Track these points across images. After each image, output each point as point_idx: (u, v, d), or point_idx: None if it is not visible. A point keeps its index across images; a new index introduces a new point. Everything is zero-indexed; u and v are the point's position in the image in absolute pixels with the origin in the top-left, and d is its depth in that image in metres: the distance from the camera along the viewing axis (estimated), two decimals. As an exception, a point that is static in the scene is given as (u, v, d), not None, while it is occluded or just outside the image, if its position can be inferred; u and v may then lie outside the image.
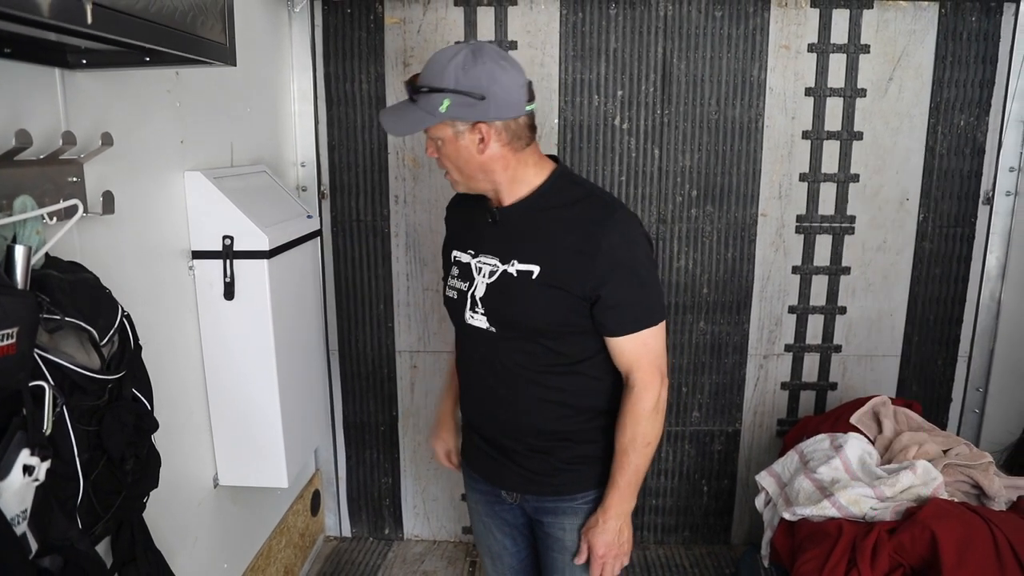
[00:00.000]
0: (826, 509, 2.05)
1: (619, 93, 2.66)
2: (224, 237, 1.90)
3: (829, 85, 2.64)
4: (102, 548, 1.39)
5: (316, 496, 2.98)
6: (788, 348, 2.87)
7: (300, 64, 2.66)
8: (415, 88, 1.46)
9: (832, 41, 2.60)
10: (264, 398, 2.01)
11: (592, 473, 1.63)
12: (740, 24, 2.59)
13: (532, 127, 1.52)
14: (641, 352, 1.53)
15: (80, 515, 1.26)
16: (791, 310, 2.83)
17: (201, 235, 1.91)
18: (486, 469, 1.73)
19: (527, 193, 1.54)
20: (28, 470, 1.01)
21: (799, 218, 2.75)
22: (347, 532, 3.14)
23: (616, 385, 1.60)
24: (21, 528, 1.02)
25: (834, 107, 2.66)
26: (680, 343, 2.86)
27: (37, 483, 1.04)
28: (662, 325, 1.54)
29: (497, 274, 1.55)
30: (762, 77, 2.63)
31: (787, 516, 2.13)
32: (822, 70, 2.63)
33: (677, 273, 2.80)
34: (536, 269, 1.50)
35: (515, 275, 1.53)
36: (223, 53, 1.40)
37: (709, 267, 2.79)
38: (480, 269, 1.59)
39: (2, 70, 1.26)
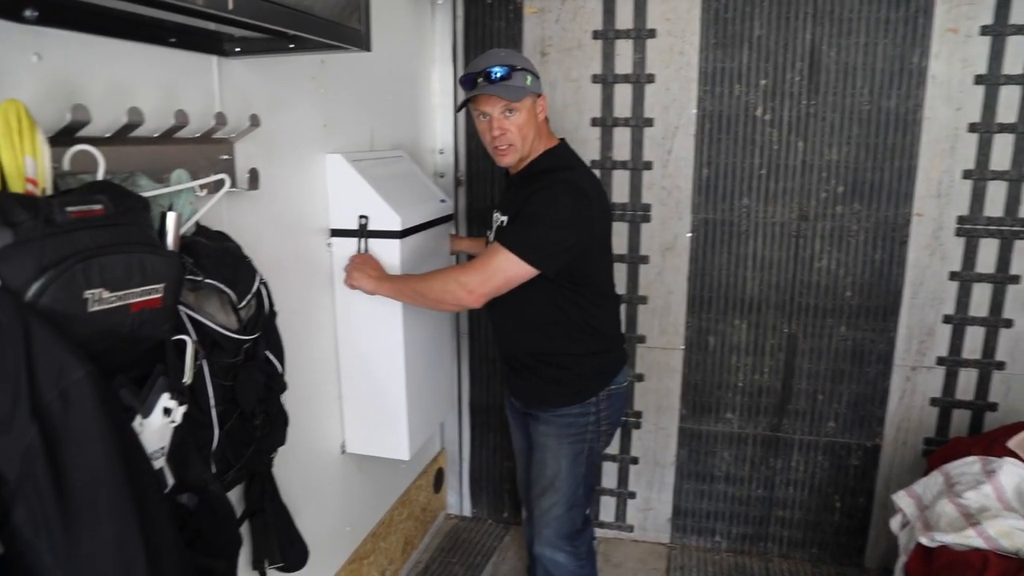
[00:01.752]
0: (971, 539, 1.87)
1: (762, 82, 2.55)
2: (360, 217, 2.01)
3: (1004, 72, 2.39)
4: (234, 497, 1.52)
5: (440, 474, 3.09)
6: (941, 361, 2.64)
7: (441, 54, 2.76)
8: (512, 67, 1.84)
9: (1011, 22, 2.36)
10: (391, 372, 2.11)
11: (563, 392, 2.02)
12: (900, 6, 2.41)
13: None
14: (488, 258, 1.82)
15: (214, 462, 1.38)
16: (946, 320, 2.60)
17: (339, 214, 2.03)
18: (507, 382, 2.22)
19: (528, 162, 1.96)
20: (167, 412, 1.12)
21: (960, 219, 2.52)
22: (467, 512, 3.23)
23: (572, 334, 1.97)
24: (159, 463, 1.14)
25: (1009, 96, 2.40)
26: (818, 347, 2.71)
27: (174, 424, 1.15)
28: (517, 261, 1.78)
29: (498, 224, 1.99)
30: (923, 64, 2.43)
31: (925, 541, 1.97)
32: (996, 55, 2.39)
33: (818, 274, 2.65)
34: (506, 219, 1.93)
35: (501, 225, 1.95)
36: (358, 39, 1.49)
37: (854, 269, 2.63)
38: (495, 221, 2.03)
39: (168, 57, 1.41)
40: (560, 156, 1.98)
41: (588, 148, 2.73)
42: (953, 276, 2.57)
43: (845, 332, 2.68)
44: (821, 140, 2.56)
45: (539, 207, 1.82)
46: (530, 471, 2.17)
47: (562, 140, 2.02)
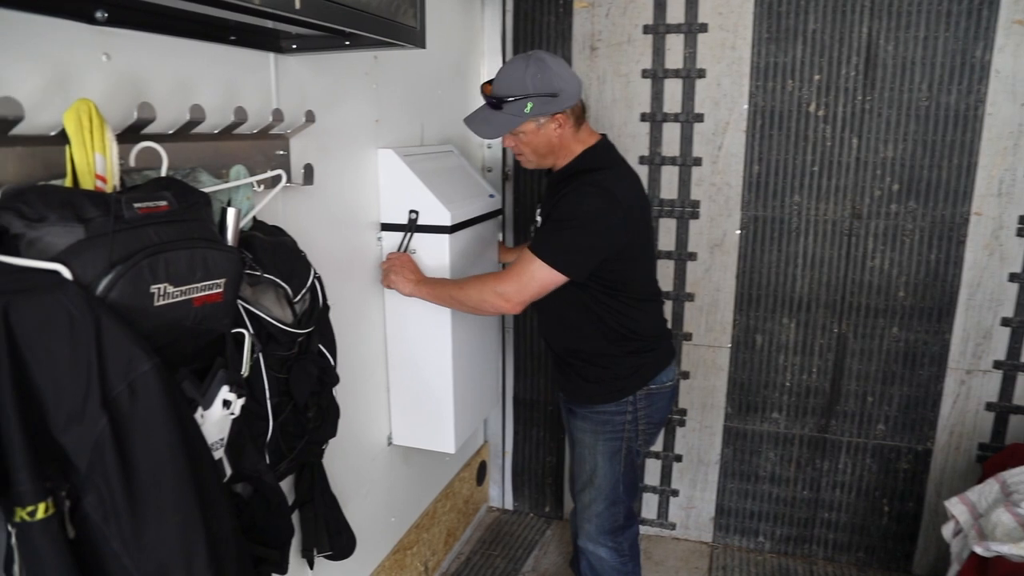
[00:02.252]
0: (1029, 548, 1.82)
1: (816, 78, 2.50)
2: (410, 211, 2.02)
3: (1076, 66, 2.30)
4: (285, 487, 1.55)
5: (482, 467, 3.11)
6: (998, 365, 2.57)
7: (490, 49, 2.76)
8: (500, 99, 1.83)
9: (1082, 15, 2.27)
10: (438, 367, 2.13)
11: (599, 390, 2.02)
12: (962, -1, 2.34)
13: (584, 108, 1.93)
14: (522, 266, 1.83)
15: (268, 452, 1.41)
16: (1005, 323, 2.53)
17: (390, 208, 2.05)
18: (552, 375, 2.23)
19: (566, 163, 1.94)
20: (227, 404, 1.15)
21: (1022, 219, 2.44)
22: (509, 505, 3.25)
23: (610, 335, 1.97)
24: (218, 454, 1.17)
25: (1081, 92, 2.32)
26: (868, 348, 2.65)
27: (233, 416, 1.18)
28: (548, 269, 1.80)
29: (536, 224, 2.04)
30: (987, 58, 2.36)
31: (979, 550, 1.91)
32: (1067, 48, 2.30)
33: (870, 273, 2.60)
34: (540, 220, 1.98)
35: (537, 224, 2.01)
36: (414, 36, 1.50)
37: (908, 269, 2.56)
38: (537, 219, 2.05)
39: (227, 55, 1.43)
40: (595, 156, 1.94)
41: (637, 144, 2.71)
42: (1012, 278, 2.49)
43: (897, 333, 2.63)
44: (876, 137, 2.50)
45: (565, 211, 1.82)
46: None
47: (602, 137, 1.99)
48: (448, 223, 2.01)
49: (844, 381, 2.71)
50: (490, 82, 1.88)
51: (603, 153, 1.96)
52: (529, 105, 1.82)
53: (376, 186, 2.03)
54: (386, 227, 2.07)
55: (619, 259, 1.89)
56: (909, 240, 2.55)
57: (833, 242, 2.61)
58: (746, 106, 2.58)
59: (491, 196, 2.35)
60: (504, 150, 2.85)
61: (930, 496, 2.72)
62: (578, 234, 1.81)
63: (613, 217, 1.82)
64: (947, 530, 2.17)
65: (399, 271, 2.00)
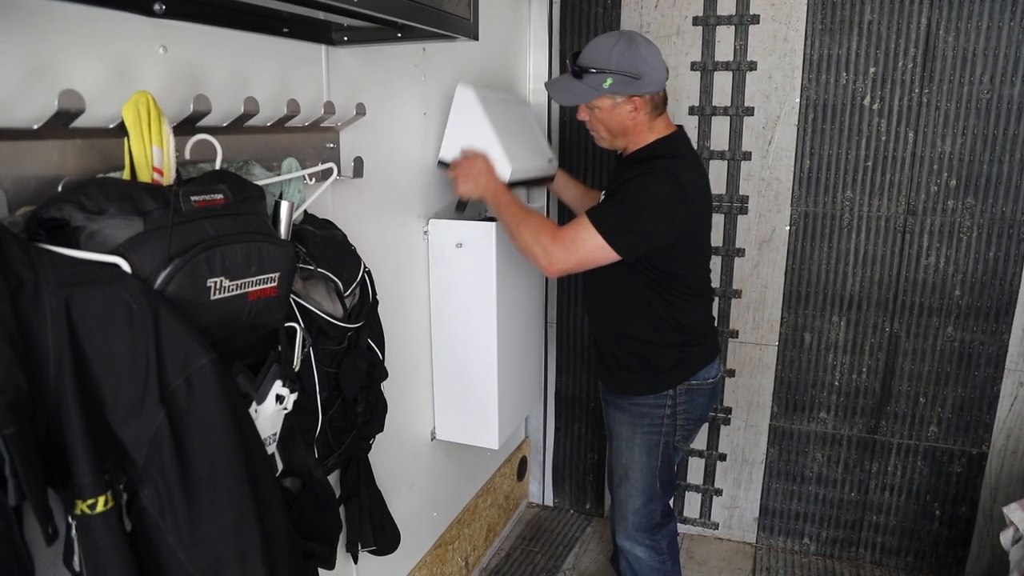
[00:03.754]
0: (1095, 557, 1.75)
1: (871, 70, 2.42)
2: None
3: None
4: (331, 481, 1.54)
5: (523, 462, 3.09)
6: (1060, 367, 2.48)
7: (537, 40, 2.73)
8: (583, 69, 1.82)
9: None
10: (483, 362, 2.12)
11: (638, 381, 2.00)
12: (1029, -12, 2.24)
13: (665, 99, 1.91)
14: (575, 230, 1.80)
15: (317, 447, 1.41)
16: (1067, 323, 2.44)
17: (451, 147, 2.01)
18: (595, 364, 2.22)
19: (637, 148, 1.91)
20: (280, 399, 1.15)
21: (1088, 217, 2.35)
22: (549, 501, 3.23)
23: (657, 325, 1.94)
24: (271, 449, 1.16)
25: None
26: (922, 348, 2.58)
27: (285, 411, 1.17)
28: (600, 241, 1.77)
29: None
30: (1053, 49, 2.26)
31: (1041, 557, 1.85)
32: None
33: (925, 271, 2.52)
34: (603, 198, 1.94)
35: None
36: (467, 28, 1.47)
37: (964, 267, 2.48)
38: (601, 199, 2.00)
39: (280, 47, 1.43)
40: (670, 145, 1.91)
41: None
42: (1076, 277, 2.40)
43: (952, 333, 2.54)
44: (934, 131, 2.42)
45: (633, 191, 1.79)
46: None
47: (679, 128, 1.96)
48: (506, 178, 1.96)
49: (895, 381, 2.63)
50: (579, 52, 1.88)
51: (676, 144, 1.93)
52: (608, 81, 1.81)
53: (424, 181, 2.01)
54: (442, 164, 2.03)
55: (677, 250, 1.87)
56: (966, 237, 2.46)
57: (886, 239, 2.54)
58: (798, 99, 2.52)
59: (549, 160, 2.28)
60: (550, 143, 2.81)
61: (984, 501, 2.64)
62: (639, 215, 1.78)
63: (678, 205, 1.80)
64: (1006, 537, 2.10)
65: (470, 173, 1.94)
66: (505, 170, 1.96)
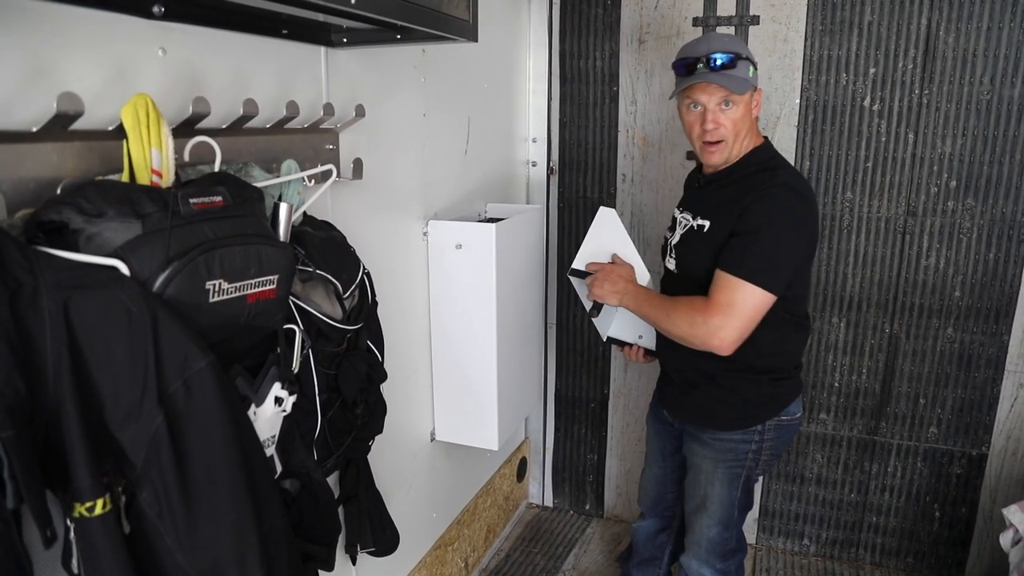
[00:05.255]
0: (1095, 559, 1.75)
1: (871, 71, 2.42)
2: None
3: None
4: (331, 482, 1.55)
5: (523, 463, 3.09)
6: (1060, 368, 2.48)
7: (536, 41, 2.73)
8: (738, 55, 1.66)
9: None
10: (483, 363, 2.12)
11: (727, 416, 1.84)
12: (1030, -12, 2.24)
13: None
14: (731, 295, 1.62)
15: (316, 449, 1.41)
16: (1067, 325, 2.44)
17: (590, 255, 2.00)
18: (660, 391, 2.08)
19: (738, 159, 1.76)
20: (278, 401, 1.15)
21: (1088, 218, 2.35)
22: (549, 502, 3.23)
23: (761, 352, 1.75)
24: (270, 451, 1.16)
25: None
26: (922, 349, 2.58)
27: (284, 414, 1.17)
28: (754, 290, 1.61)
29: (688, 227, 1.82)
30: (1055, 50, 2.26)
31: (1041, 559, 1.85)
32: None
33: (924, 272, 2.52)
34: (707, 224, 1.75)
35: (695, 228, 1.79)
36: (466, 30, 1.47)
37: (964, 268, 2.48)
38: (681, 222, 1.86)
39: (279, 49, 1.43)
40: (771, 155, 1.77)
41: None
42: (1077, 279, 2.40)
43: (952, 334, 2.54)
44: (934, 132, 2.42)
45: (759, 223, 1.63)
46: (679, 484, 2.09)
47: (766, 138, 1.82)
48: (645, 283, 1.93)
49: (895, 382, 2.63)
50: (698, 57, 1.67)
51: (776, 153, 1.79)
52: (751, 69, 1.69)
53: (424, 182, 2.02)
54: (575, 272, 2.01)
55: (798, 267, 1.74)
56: (966, 238, 2.46)
57: (886, 240, 2.54)
58: (798, 100, 2.52)
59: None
60: (549, 144, 2.82)
61: (984, 502, 2.64)
62: (778, 246, 1.63)
63: (808, 219, 1.69)
64: (1005, 539, 2.10)
65: (607, 280, 1.87)
66: (644, 277, 1.92)
